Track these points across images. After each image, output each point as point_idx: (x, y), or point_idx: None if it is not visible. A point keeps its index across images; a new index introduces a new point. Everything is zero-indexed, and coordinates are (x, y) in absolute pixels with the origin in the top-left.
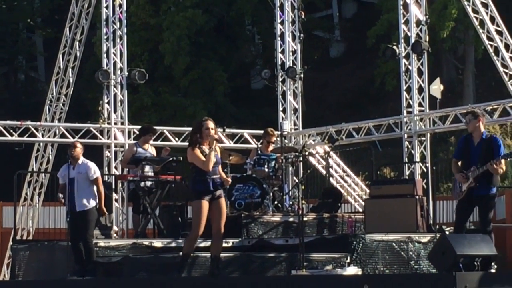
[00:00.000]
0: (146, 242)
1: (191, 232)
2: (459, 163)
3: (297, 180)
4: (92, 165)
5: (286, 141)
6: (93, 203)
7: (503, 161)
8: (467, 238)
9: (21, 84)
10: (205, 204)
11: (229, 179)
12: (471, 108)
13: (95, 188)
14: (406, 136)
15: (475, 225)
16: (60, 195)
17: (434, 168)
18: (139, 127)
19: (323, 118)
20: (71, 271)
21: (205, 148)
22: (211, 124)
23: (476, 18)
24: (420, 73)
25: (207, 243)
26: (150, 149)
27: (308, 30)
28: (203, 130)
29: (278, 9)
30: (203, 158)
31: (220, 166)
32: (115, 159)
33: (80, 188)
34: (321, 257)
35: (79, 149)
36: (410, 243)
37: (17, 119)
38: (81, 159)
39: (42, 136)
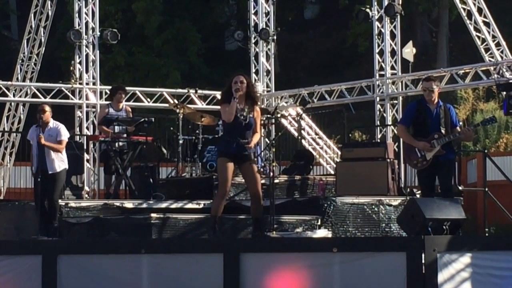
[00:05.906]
0: (117, 203)
1: (218, 191)
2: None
3: (269, 142)
4: (63, 129)
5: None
6: (63, 165)
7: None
8: (436, 202)
9: None
10: (227, 162)
11: (251, 145)
12: (444, 72)
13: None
14: (378, 99)
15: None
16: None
17: None
18: (110, 87)
19: (297, 80)
20: (41, 231)
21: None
22: (240, 77)
23: None
24: (393, 36)
25: (177, 205)
26: (124, 110)
27: None
28: (232, 84)
29: None
30: (226, 109)
31: (254, 133)
32: (87, 120)
33: (52, 151)
34: (291, 220)
35: (48, 113)
36: (381, 206)
37: None
38: (51, 122)
39: (14, 95)
